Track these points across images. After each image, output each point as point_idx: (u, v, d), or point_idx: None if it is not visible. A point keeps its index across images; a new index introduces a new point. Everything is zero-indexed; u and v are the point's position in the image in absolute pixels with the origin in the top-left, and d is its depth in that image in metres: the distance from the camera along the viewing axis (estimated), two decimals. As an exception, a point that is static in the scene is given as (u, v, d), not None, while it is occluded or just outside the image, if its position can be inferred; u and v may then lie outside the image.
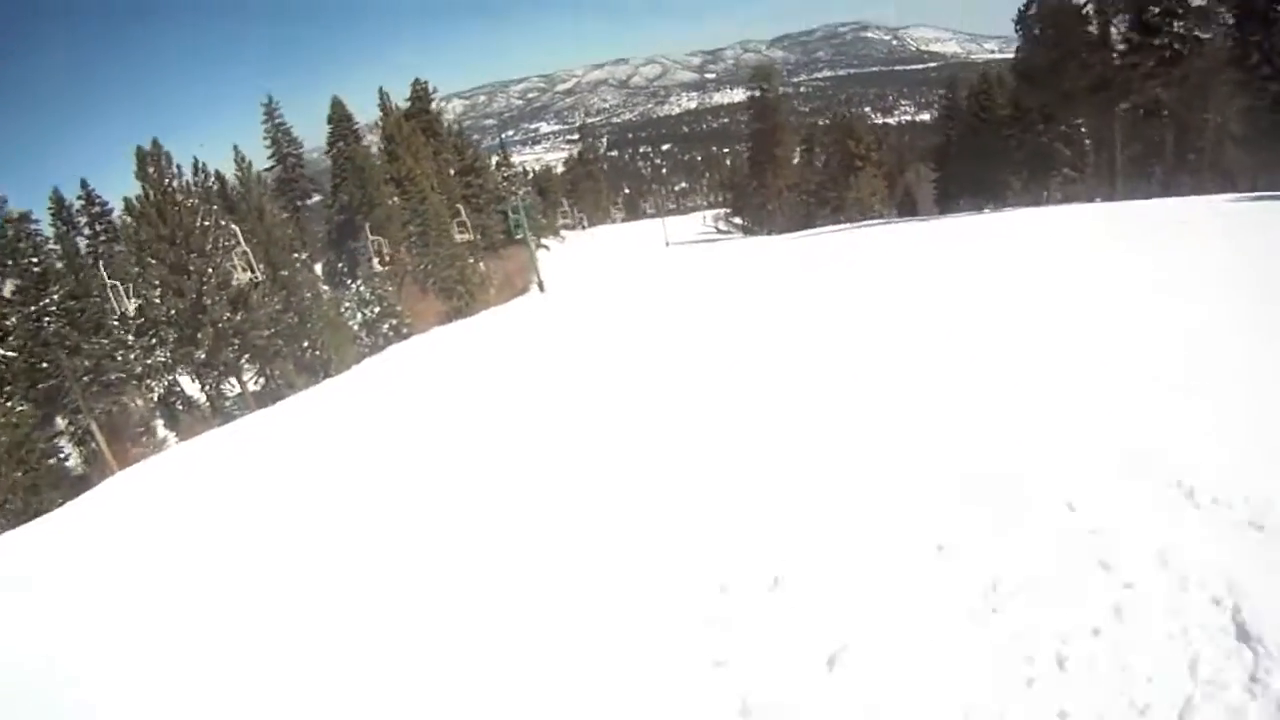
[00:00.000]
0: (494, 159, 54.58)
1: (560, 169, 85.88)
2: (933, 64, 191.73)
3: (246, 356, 24.05)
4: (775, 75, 54.26)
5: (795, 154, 55.71)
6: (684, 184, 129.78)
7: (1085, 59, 26.38)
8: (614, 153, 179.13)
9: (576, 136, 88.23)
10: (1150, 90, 25.87)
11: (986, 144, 37.25)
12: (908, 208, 48.68)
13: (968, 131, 39.97)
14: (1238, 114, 24.95)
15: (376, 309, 28.19)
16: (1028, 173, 36.44)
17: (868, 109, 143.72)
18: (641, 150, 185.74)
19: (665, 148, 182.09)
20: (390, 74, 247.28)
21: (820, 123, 61.60)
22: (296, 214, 44.27)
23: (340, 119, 39.36)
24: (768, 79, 53.80)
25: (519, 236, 31.23)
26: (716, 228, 68.25)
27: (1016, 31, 29.22)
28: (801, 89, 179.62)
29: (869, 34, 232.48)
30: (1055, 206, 24.99)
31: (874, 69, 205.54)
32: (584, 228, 70.37)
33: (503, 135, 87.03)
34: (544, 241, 60.90)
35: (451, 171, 42.79)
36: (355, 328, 27.64)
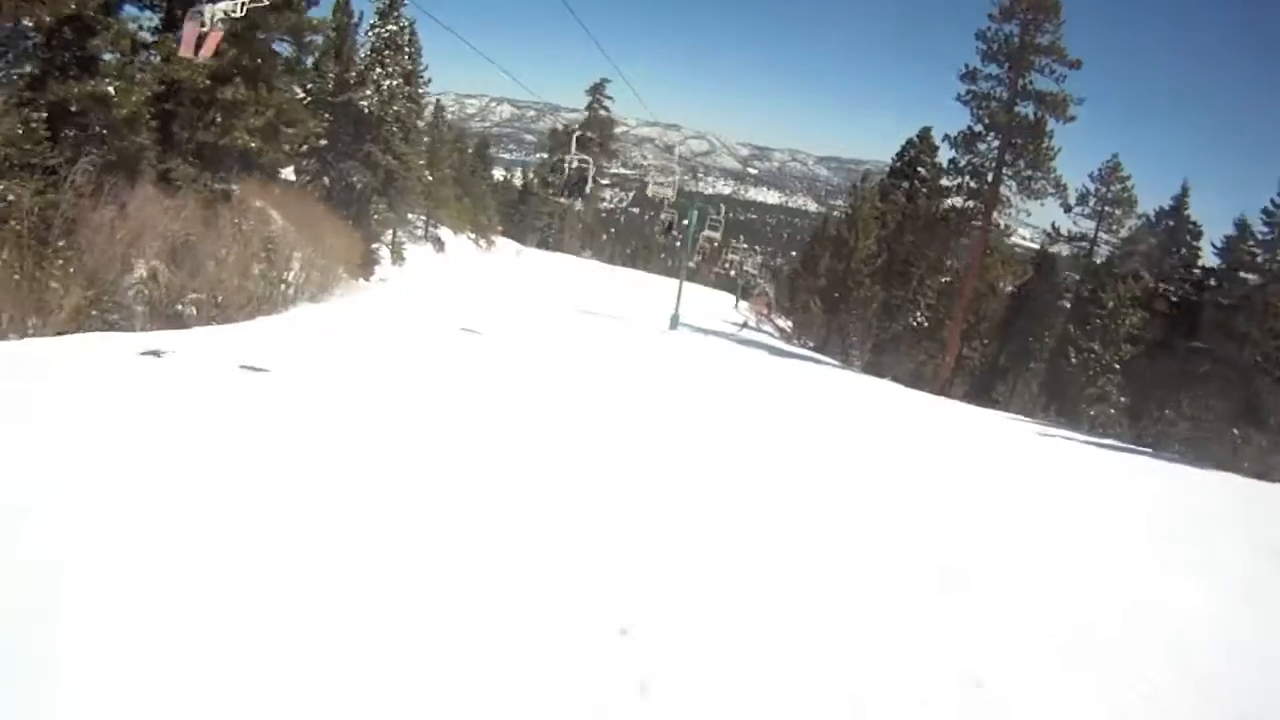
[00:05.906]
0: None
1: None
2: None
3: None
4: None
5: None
6: (691, 264, 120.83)
7: None
8: (635, 209, 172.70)
9: (607, 182, 74.20)
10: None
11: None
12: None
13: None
14: None
15: None
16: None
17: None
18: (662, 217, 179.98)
19: (685, 223, 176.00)
20: (444, 76, 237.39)
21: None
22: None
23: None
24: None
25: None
26: (749, 321, 42.33)
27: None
28: (834, 213, 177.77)
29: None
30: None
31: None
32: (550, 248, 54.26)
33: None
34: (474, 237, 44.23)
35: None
36: None
